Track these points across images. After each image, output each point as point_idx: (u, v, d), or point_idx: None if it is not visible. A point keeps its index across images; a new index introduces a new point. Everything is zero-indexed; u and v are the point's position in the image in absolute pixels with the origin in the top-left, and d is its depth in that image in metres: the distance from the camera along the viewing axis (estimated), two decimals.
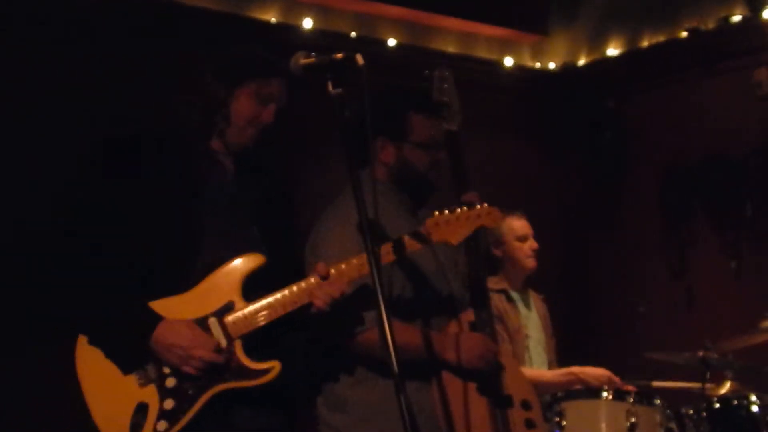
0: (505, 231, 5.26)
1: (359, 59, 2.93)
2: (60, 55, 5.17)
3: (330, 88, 2.96)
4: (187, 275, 3.27)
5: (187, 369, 3.18)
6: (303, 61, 3.03)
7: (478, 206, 3.51)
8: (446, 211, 3.44)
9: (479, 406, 3.62)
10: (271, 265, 3.31)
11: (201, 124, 3.38)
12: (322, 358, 3.72)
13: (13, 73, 5.09)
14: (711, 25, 6.36)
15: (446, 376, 3.62)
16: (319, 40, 5.93)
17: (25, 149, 5.06)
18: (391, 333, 2.74)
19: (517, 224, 5.30)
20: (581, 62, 7.12)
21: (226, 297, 3.27)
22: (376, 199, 2.96)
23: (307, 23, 6.04)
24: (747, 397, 4.72)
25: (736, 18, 6.21)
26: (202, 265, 3.28)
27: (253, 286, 3.29)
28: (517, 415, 3.67)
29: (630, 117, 6.88)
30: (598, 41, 7.00)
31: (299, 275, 3.34)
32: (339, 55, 2.97)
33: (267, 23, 5.94)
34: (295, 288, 3.29)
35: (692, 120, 6.48)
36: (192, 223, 3.29)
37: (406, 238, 3.39)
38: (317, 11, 6.11)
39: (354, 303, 3.48)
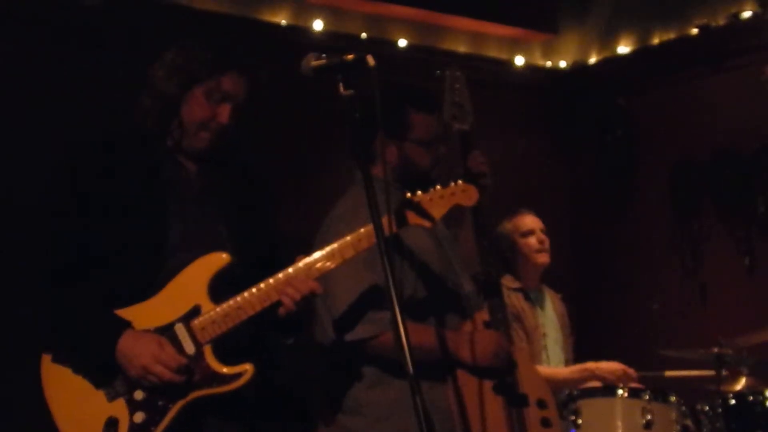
0: (510, 230, 5.26)
1: (370, 60, 2.92)
2: (67, 59, 5.17)
3: (341, 89, 2.93)
4: (153, 279, 3.13)
5: (145, 383, 3.06)
6: (314, 62, 3.02)
7: (453, 183, 3.34)
8: (419, 192, 3.29)
9: (495, 404, 3.61)
10: (241, 264, 3.16)
11: (156, 128, 3.24)
12: (336, 363, 3.71)
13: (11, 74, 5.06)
14: (721, 21, 6.34)
15: (461, 374, 3.62)
16: (330, 42, 5.92)
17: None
18: (405, 333, 2.71)
19: (521, 221, 5.28)
20: (592, 60, 7.11)
21: (193, 300, 3.12)
22: (388, 199, 2.93)
23: (318, 25, 6.05)
24: (762, 393, 4.71)
25: (746, 14, 6.20)
26: (167, 268, 3.14)
27: (222, 287, 3.13)
28: (532, 413, 3.67)
29: (641, 114, 6.87)
30: (608, 39, 6.99)
31: (273, 274, 3.16)
32: (350, 57, 2.95)
33: (277, 25, 5.94)
34: (263, 285, 3.13)
35: (703, 117, 6.46)
36: (157, 225, 3.16)
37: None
38: (327, 13, 6.11)
39: (367, 305, 3.48)
